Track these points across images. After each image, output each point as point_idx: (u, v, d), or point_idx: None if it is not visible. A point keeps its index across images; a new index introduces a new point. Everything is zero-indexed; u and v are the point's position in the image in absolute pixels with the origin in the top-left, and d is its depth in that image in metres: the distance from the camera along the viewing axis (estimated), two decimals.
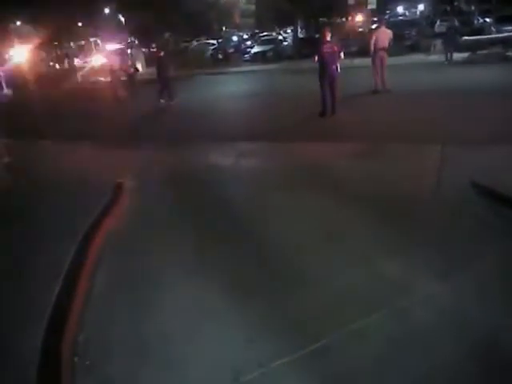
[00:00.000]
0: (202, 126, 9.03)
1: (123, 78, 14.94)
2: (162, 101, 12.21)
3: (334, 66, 8.54)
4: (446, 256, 3.30)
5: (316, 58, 8.71)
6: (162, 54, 12.93)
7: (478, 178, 4.45)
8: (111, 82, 15.00)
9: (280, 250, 3.64)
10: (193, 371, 2.46)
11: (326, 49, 8.54)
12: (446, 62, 15.36)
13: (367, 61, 11.28)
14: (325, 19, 32.59)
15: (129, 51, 30.76)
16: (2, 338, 2.72)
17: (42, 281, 3.27)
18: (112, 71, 14.73)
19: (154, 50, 13.11)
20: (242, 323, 2.77)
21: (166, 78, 12.33)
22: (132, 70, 15.53)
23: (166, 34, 35.27)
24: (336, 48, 8.67)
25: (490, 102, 8.00)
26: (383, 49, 10.73)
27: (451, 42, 15.82)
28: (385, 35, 10.86)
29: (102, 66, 17.58)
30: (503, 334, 2.52)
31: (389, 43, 10.84)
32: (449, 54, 15.60)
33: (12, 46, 26.70)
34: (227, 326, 2.78)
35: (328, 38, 8.67)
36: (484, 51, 15.30)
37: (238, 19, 36.91)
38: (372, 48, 10.71)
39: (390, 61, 11.08)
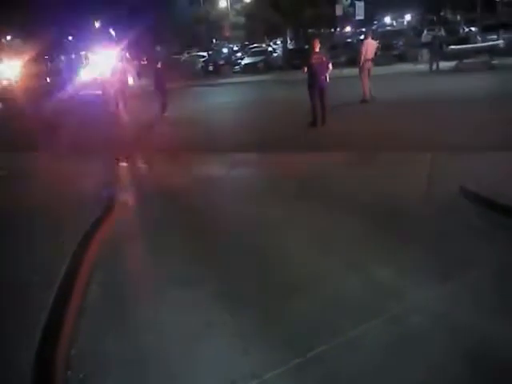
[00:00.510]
0: (194, 137, 9.06)
1: (113, 91, 14.86)
2: (161, 113, 12.28)
3: (322, 77, 8.63)
4: (440, 261, 3.37)
5: (305, 69, 8.80)
6: (159, 65, 12.92)
7: (465, 184, 4.54)
8: (102, 95, 14.98)
9: (279, 259, 3.67)
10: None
11: (315, 59, 8.65)
12: (430, 71, 15.58)
13: (356, 71, 11.45)
14: (314, 30, 33.04)
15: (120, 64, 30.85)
16: None
17: (35, 294, 3.26)
18: (103, 84, 14.70)
19: (146, 62, 12.95)
20: (238, 333, 2.79)
21: (163, 89, 12.40)
22: (122, 83, 15.33)
23: (157, 47, 35.50)
24: (325, 58, 8.79)
25: (475, 111, 8.15)
26: (371, 59, 11.06)
27: (437, 51, 16.10)
28: (372, 46, 11.19)
29: (93, 79, 17.64)
30: (494, 339, 2.56)
31: (375, 53, 11.18)
32: (434, 64, 15.84)
33: (2, 61, 26.74)
34: (223, 336, 2.79)
35: (317, 49, 8.78)
36: (470, 60, 15.56)
37: (228, 31, 37.19)
38: (362, 59, 10.94)
39: (378, 70, 11.32)
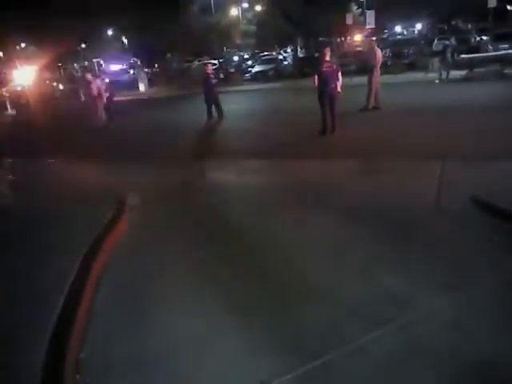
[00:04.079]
0: (206, 143, 9.14)
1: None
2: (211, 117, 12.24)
3: (333, 85, 8.64)
4: (450, 272, 3.35)
5: (316, 78, 8.78)
6: (210, 71, 12.77)
7: (475, 192, 4.51)
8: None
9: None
10: None
11: (326, 68, 8.66)
12: (437, 81, 15.49)
13: (365, 79, 11.42)
14: (324, 39, 33.17)
15: (131, 71, 31.27)
16: (5, 355, 2.72)
17: (44, 298, 3.28)
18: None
19: (204, 65, 12.19)
20: (244, 338, 2.80)
21: (215, 94, 12.33)
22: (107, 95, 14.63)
23: (168, 55, 35.87)
24: (335, 67, 8.80)
25: (485, 120, 8.10)
26: (380, 67, 11.20)
27: (448, 60, 16.02)
28: (380, 54, 11.31)
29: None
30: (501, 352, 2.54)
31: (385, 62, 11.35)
32: (444, 73, 15.75)
33: (16, 68, 27.12)
34: (229, 341, 2.79)
35: (327, 58, 8.80)
36: (481, 69, 15.47)
37: (238, 39, 37.46)
38: (378, 65, 11.04)
39: (388, 79, 11.35)
